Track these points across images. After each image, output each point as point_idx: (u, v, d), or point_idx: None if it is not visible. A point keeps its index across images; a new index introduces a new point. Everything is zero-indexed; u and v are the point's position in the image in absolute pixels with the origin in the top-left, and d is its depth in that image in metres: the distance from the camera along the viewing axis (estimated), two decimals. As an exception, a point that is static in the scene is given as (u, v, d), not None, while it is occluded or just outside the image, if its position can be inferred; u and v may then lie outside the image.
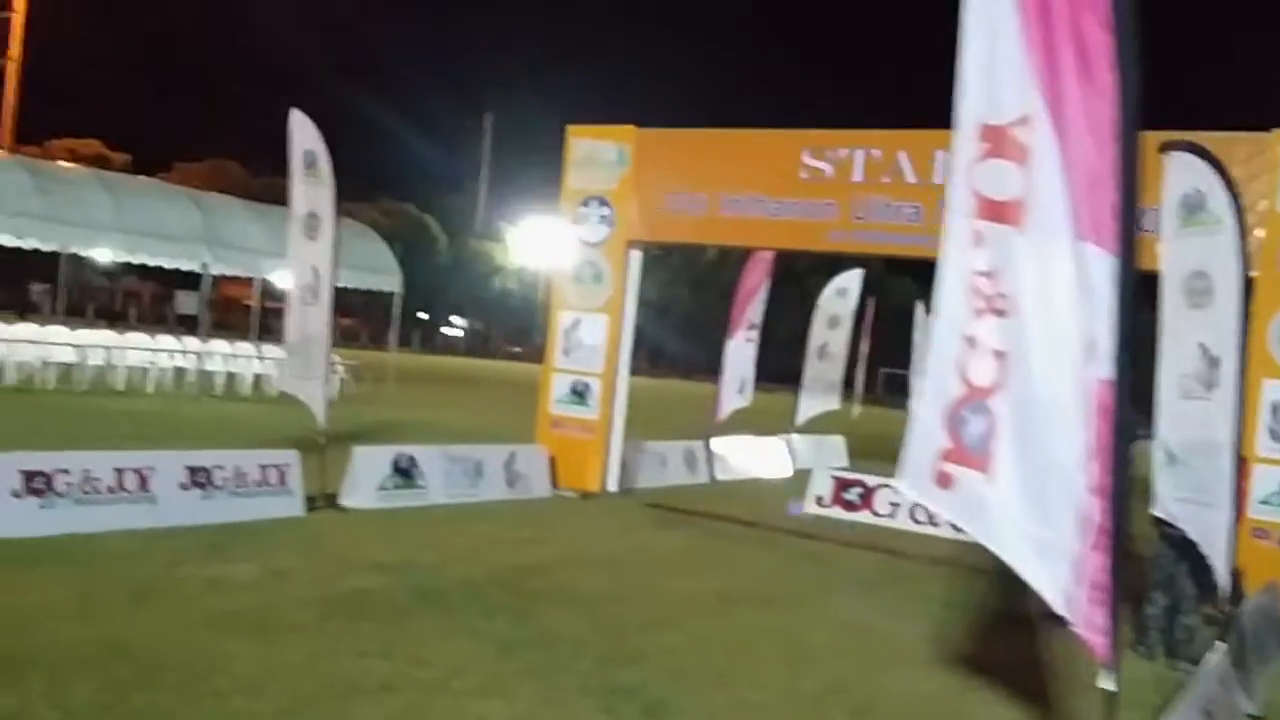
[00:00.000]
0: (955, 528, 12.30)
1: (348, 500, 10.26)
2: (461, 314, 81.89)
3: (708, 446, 15.94)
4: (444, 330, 78.71)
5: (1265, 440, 9.28)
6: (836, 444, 20.79)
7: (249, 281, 28.44)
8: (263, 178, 67.59)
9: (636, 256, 13.05)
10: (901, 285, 41.21)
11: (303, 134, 9.65)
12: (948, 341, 3.99)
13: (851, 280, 20.26)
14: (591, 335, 12.94)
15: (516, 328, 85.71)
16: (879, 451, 22.46)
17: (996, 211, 3.88)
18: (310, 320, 9.52)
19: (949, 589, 9.51)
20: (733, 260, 16.27)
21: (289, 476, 9.62)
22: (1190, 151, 6.62)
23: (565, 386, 13.10)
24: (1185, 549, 7.16)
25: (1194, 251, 6.47)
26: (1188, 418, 6.54)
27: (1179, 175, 6.69)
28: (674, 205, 12.39)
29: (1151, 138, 9.89)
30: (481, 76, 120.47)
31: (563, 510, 11.84)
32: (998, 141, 3.87)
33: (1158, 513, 6.85)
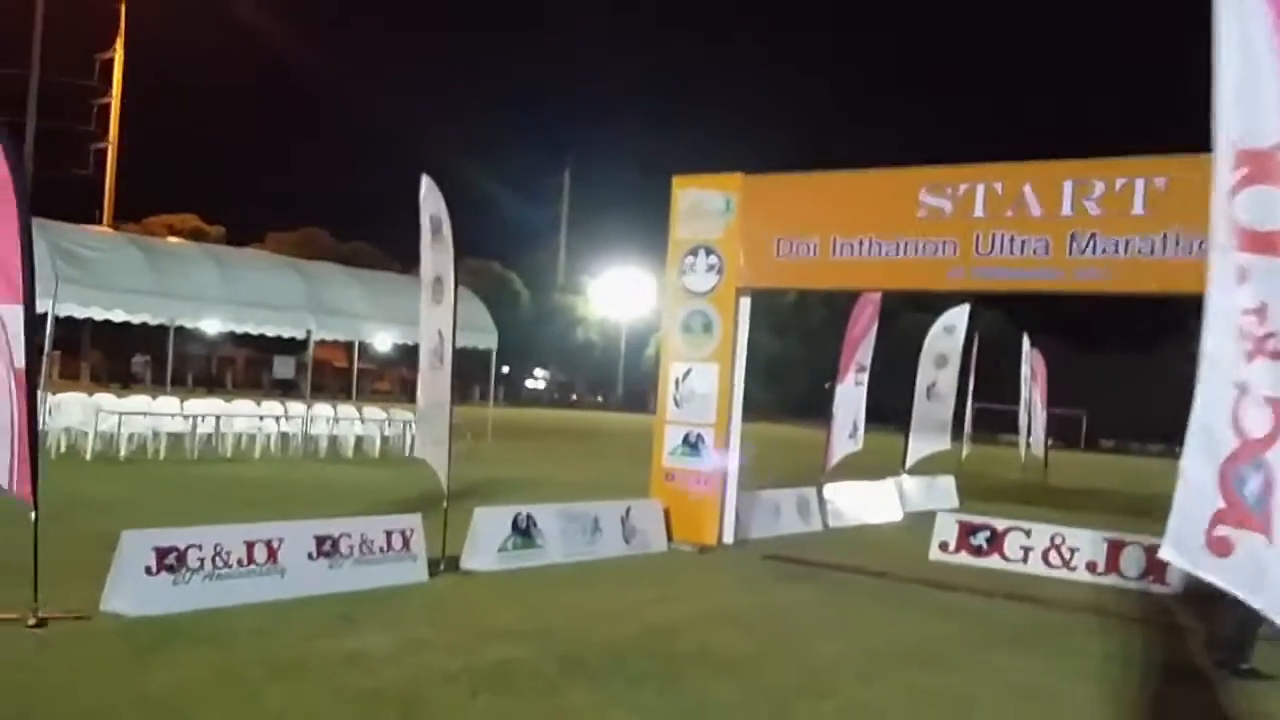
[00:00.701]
0: (1091, 569, 11.79)
1: (469, 563, 10.10)
2: (544, 366, 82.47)
3: (820, 493, 15.50)
4: (527, 383, 79.23)
5: None
6: (948, 485, 20.16)
7: (338, 344, 28.84)
8: (350, 242, 69.29)
9: (746, 304, 12.79)
10: (991, 318, 40.33)
11: (431, 200, 9.63)
12: (1218, 390, 3.60)
13: (959, 317, 19.76)
14: (703, 385, 12.67)
15: (599, 378, 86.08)
16: (990, 491, 22.04)
17: (1262, 243, 3.52)
18: (438, 385, 9.42)
19: (1105, 642, 8.95)
20: (839, 305, 15.86)
21: (413, 541, 9.48)
22: None
23: (678, 438, 12.83)
24: None
25: None
26: None
27: None
28: (784, 251, 12.12)
29: None
30: (560, 134, 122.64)
31: (682, 565, 11.52)
32: (1259, 167, 3.52)
33: None
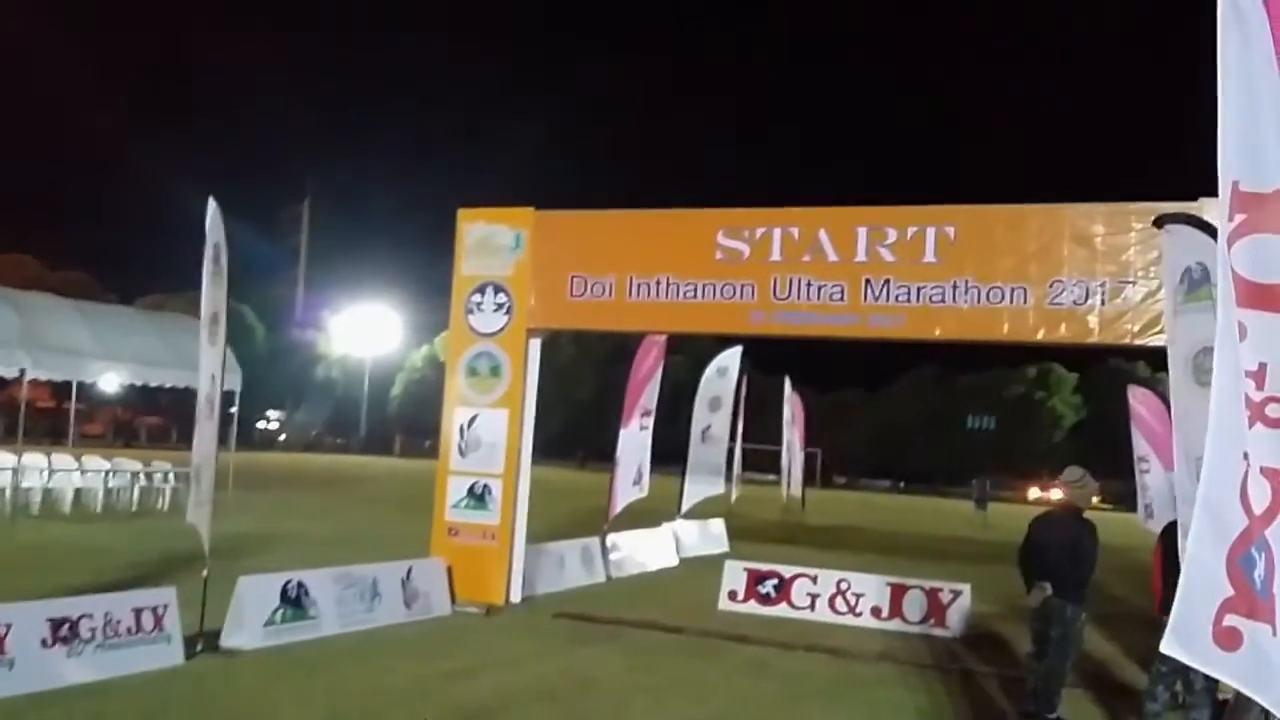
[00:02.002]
0: (876, 614, 11.85)
1: (232, 639, 8.82)
2: (279, 407, 77.99)
3: (603, 543, 14.99)
4: (259, 425, 74.55)
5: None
6: (719, 529, 20.19)
7: (44, 383, 25.81)
8: (61, 271, 63.07)
9: (536, 345, 12.14)
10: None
11: (215, 227, 8.42)
12: (1226, 461, 3.28)
13: (731, 360, 19.86)
14: (491, 432, 11.89)
15: (340, 420, 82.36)
16: (757, 533, 22.32)
17: (1260, 296, 3.24)
18: (205, 437, 8.17)
19: (913, 694, 8.90)
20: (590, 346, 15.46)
21: (166, 619, 8.17)
22: (1188, 224, 6.32)
23: (463, 489, 11.96)
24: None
25: (1199, 327, 6.13)
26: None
27: (1178, 249, 6.39)
28: (578, 290, 11.59)
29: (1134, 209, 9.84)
30: (300, 163, 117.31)
31: (472, 630, 10.64)
32: (1258, 212, 3.25)
33: None
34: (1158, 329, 9.58)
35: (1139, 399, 17.62)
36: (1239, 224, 3.30)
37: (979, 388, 72.52)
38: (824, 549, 20.80)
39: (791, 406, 25.97)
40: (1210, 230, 6.21)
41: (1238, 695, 4.98)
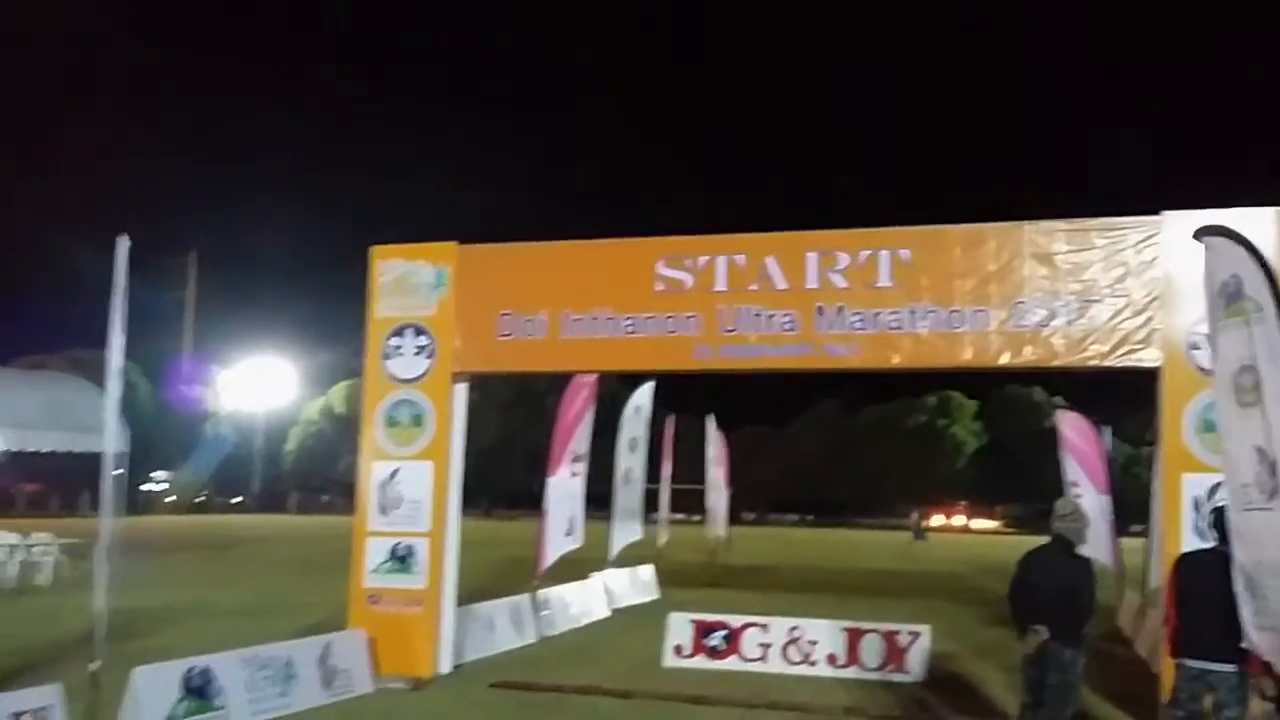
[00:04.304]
0: (832, 662, 11.13)
1: (128, 743, 7.64)
2: (167, 467, 74.39)
3: (534, 600, 13.99)
4: (145, 487, 70.88)
5: (1190, 539, 8.62)
6: (648, 575, 19.34)
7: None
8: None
9: (463, 390, 11.20)
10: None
11: (122, 268, 7.48)
12: None
13: (645, 396, 19.11)
14: (414, 487, 10.87)
15: (232, 478, 79.07)
16: (685, 577, 21.51)
17: None
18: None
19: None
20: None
21: (50, 724, 6.98)
22: (1221, 235, 5.79)
23: (383, 551, 10.89)
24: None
25: (1238, 343, 5.60)
26: (1253, 533, 5.58)
27: (1215, 262, 5.85)
28: (507, 329, 10.71)
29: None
30: (184, 211, 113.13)
31: (401, 709, 9.57)
32: None
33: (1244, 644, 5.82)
34: (1126, 349, 9.17)
35: (1069, 423, 17.48)
36: None
37: (882, 418, 73.35)
38: (756, 590, 20.15)
39: (716, 445, 25.30)
40: (1244, 242, 5.70)
41: None
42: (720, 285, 10.14)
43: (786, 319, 9.94)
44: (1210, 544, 6.69)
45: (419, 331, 10.96)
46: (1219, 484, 8.46)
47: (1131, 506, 25.12)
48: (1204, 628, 6.26)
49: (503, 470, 63.05)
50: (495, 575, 18.28)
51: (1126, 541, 18.24)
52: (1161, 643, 9.28)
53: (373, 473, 11.05)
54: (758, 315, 10.01)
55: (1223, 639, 6.12)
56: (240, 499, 78.29)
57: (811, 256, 9.92)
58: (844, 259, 9.88)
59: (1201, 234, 5.94)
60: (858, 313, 9.77)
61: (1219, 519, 6.63)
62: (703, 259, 10.21)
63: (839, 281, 9.86)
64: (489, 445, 60.74)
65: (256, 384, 76.51)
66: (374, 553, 10.95)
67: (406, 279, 11.02)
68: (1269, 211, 8.54)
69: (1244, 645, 5.89)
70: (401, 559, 10.85)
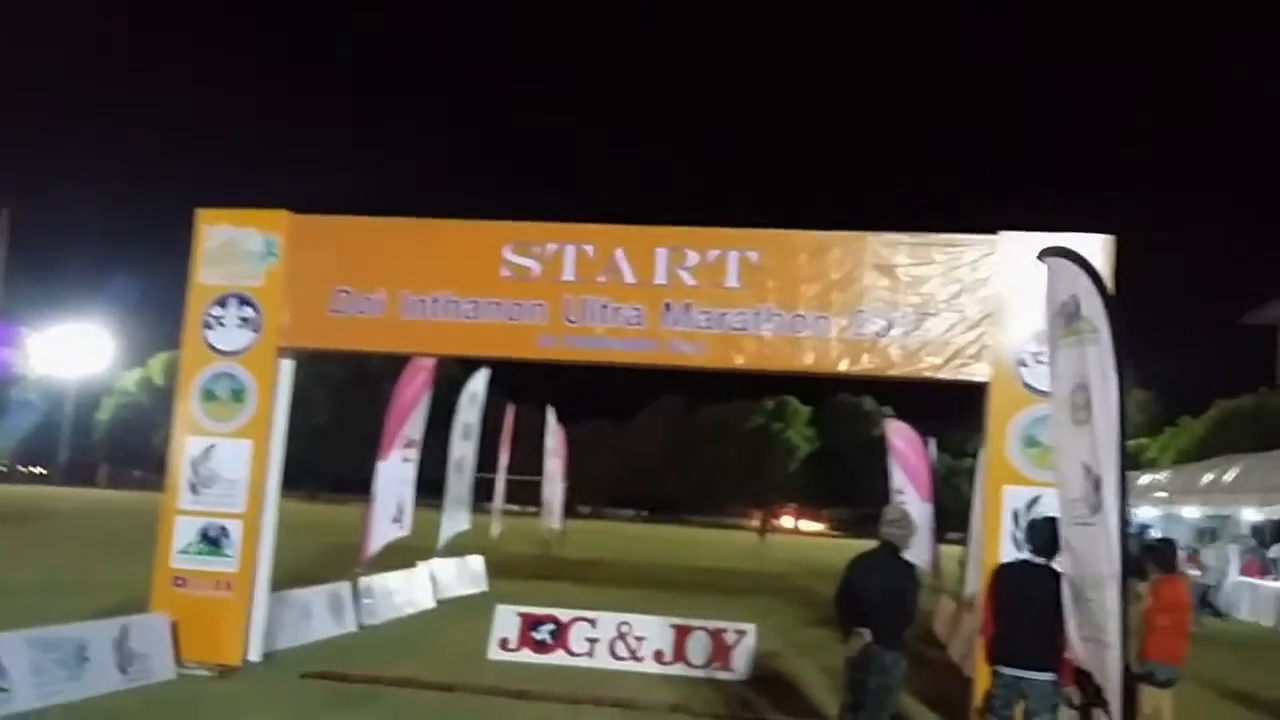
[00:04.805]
0: (659, 659, 11.13)
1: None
2: (-36, 433, 69.31)
3: (355, 588, 13.48)
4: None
5: (1008, 549, 8.92)
6: (477, 566, 18.96)
7: None
8: None
9: (289, 367, 10.64)
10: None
11: None
12: None
13: (480, 383, 18.74)
14: (231, 466, 10.27)
15: (37, 447, 74.24)
16: (517, 569, 21.23)
17: None
18: None
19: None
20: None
21: None
22: (1062, 256, 5.94)
23: (193, 532, 10.26)
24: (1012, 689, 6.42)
25: (1074, 362, 5.76)
26: (1080, 547, 5.75)
27: (1056, 283, 6.01)
28: (341, 306, 10.23)
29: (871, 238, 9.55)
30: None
31: (203, 697, 9.02)
32: None
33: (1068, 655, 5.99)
34: (959, 362, 9.41)
35: (897, 432, 18.02)
36: None
37: (720, 419, 74.61)
38: (588, 584, 20.06)
39: (555, 437, 25.11)
40: (1084, 264, 5.85)
41: None
42: (568, 275, 9.94)
43: (634, 313, 9.82)
44: (1026, 555, 6.89)
45: (244, 302, 10.36)
46: (1038, 497, 8.79)
47: (950, 515, 26.18)
48: (1019, 637, 6.44)
49: (331, 453, 61.21)
50: (316, 561, 17.63)
51: (944, 548, 18.94)
52: (976, 648, 9.60)
53: (186, 448, 10.40)
54: (605, 307, 9.86)
55: (1037, 648, 6.30)
56: (44, 471, 73.61)
57: (661, 252, 9.83)
58: (693, 257, 9.82)
59: (1044, 255, 6.09)
60: (704, 311, 9.73)
61: (1033, 531, 6.84)
62: (551, 247, 9.99)
63: (687, 279, 9.80)
64: (318, 426, 58.85)
65: (70, 350, 71.93)
66: (183, 532, 10.31)
67: (233, 246, 10.40)
68: (1099, 238, 8.89)
69: (1060, 654, 6.08)
70: (213, 540, 10.25)
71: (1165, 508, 28.31)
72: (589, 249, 9.94)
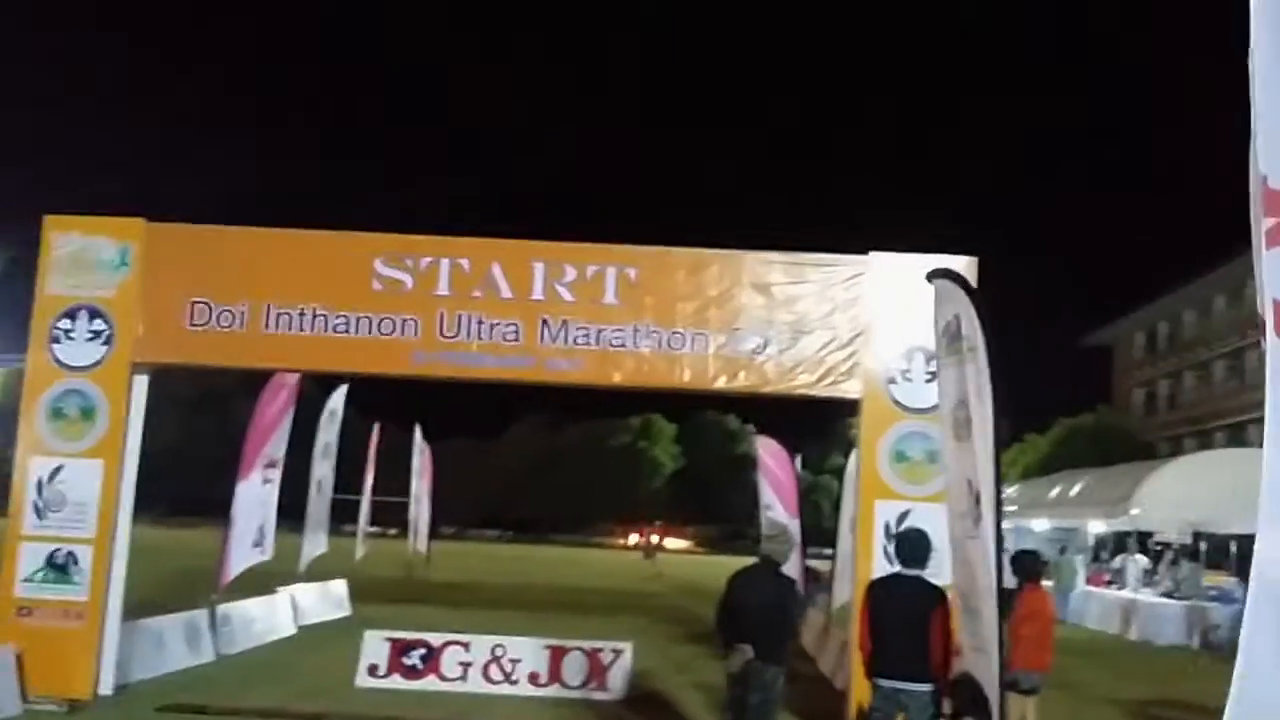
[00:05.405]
0: (534, 681, 10.97)
1: None
2: None
3: (212, 615, 12.87)
4: None
5: (880, 562, 9.12)
6: (340, 591, 18.37)
7: None
8: None
9: (143, 383, 10.12)
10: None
11: None
12: None
13: (339, 400, 18.22)
14: (80, 488, 9.69)
15: None
16: (381, 593, 20.64)
17: None
18: None
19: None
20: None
21: None
22: (947, 278, 6.11)
23: (39, 559, 9.63)
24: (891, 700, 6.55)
25: (955, 381, 5.92)
26: (967, 560, 5.90)
27: (941, 303, 6.17)
28: (200, 319, 9.78)
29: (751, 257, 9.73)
30: None
31: (49, 738, 8.46)
32: None
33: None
34: (831, 379, 9.60)
35: (766, 449, 18.26)
36: (1271, 228, 2.77)
37: (586, 437, 74.52)
38: (456, 607, 19.65)
39: (421, 456, 24.59)
40: (965, 285, 6.03)
41: None
42: (442, 289, 9.75)
43: (510, 329, 9.69)
44: (898, 568, 7.04)
45: (95, 314, 9.81)
46: (908, 511, 9.02)
47: (809, 531, 26.74)
48: (896, 649, 6.56)
49: (179, 474, 58.61)
50: (168, 587, 16.75)
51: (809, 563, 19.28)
52: (846, 661, 9.77)
53: (31, 470, 9.76)
54: (480, 323, 9.70)
55: (913, 660, 6.43)
56: None
57: (539, 267, 9.75)
58: (571, 272, 9.77)
59: (932, 276, 6.24)
60: (582, 328, 9.68)
61: (903, 543, 7.00)
62: (425, 260, 9.79)
63: (565, 295, 9.74)
64: (165, 447, 56.29)
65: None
66: (28, 560, 9.68)
67: (84, 255, 9.85)
68: (964, 260, 9.20)
69: (936, 664, 6.21)
70: (60, 567, 9.65)
71: (1015, 520, 29.56)
72: (464, 263, 9.78)
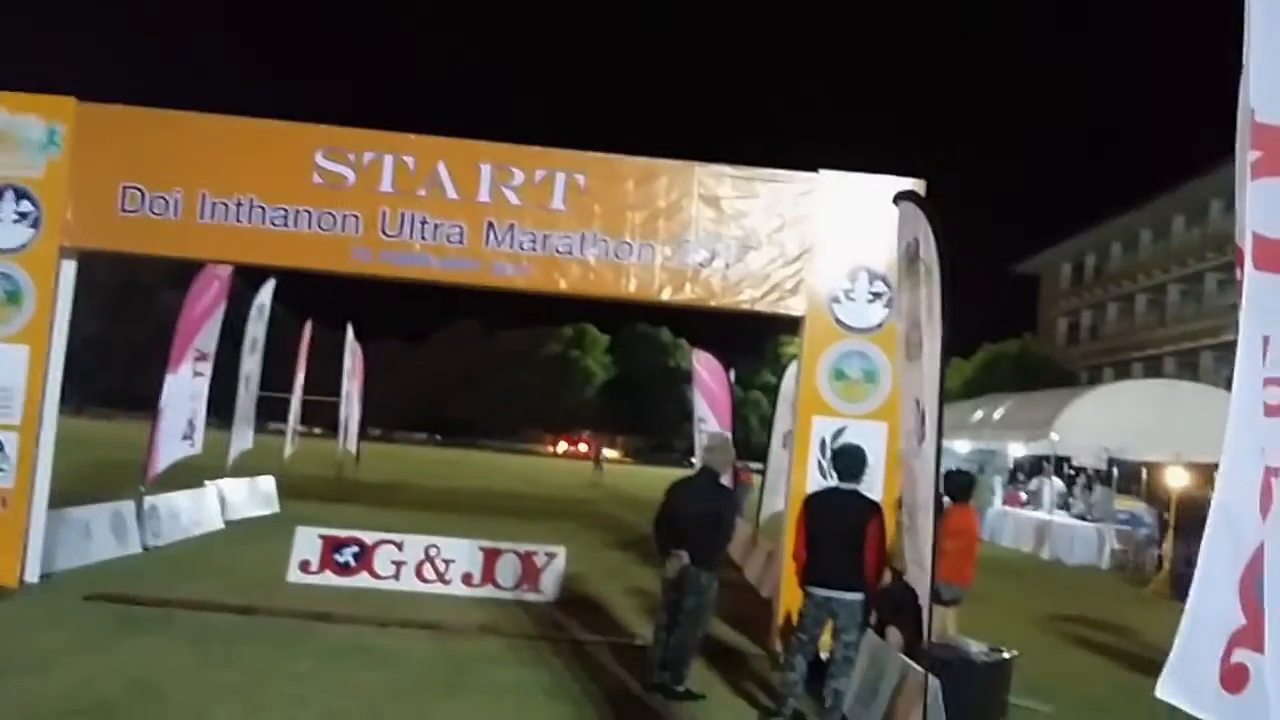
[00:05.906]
0: (467, 582, 11.10)
1: None
2: None
3: (139, 507, 12.72)
4: None
5: (814, 476, 9.32)
6: (269, 488, 18.26)
7: None
8: None
9: (71, 268, 9.81)
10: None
11: None
12: (1242, 462, 2.68)
13: (267, 294, 17.84)
14: (5, 374, 9.43)
15: None
16: (309, 490, 20.59)
17: (1272, 257, 2.66)
18: None
19: (538, 673, 8.22)
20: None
21: None
22: (910, 200, 6.11)
23: (-39, 446, 9.40)
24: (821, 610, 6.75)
25: (912, 302, 5.98)
26: (911, 475, 6.04)
27: (904, 226, 6.19)
28: (132, 205, 9.46)
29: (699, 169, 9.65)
30: None
31: (-24, 622, 8.35)
32: (1275, 151, 2.66)
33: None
34: (776, 296, 9.64)
35: (702, 362, 18.37)
36: (1256, 161, 2.77)
37: (518, 344, 74.36)
38: (384, 507, 19.70)
39: (353, 356, 24.28)
40: (925, 208, 6.05)
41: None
42: (385, 186, 9.54)
43: (455, 230, 9.54)
44: (834, 482, 7.20)
45: (21, 195, 9.44)
46: (844, 428, 9.18)
47: (739, 445, 27.16)
48: (829, 560, 6.74)
49: (99, 365, 57.36)
50: (94, 479, 16.54)
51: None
52: (774, 571, 10.01)
53: (-47, 354, 9.46)
54: (424, 222, 9.53)
55: (846, 570, 6.62)
56: None
57: (486, 168, 9.56)
58: (519, 175, 9.61)
59: (898, 199, 6.26)
60: (529, 233, 9.56)
61: (840, 458, 7.15)
62: (368, 155, 9.54)
63: (512, 198, 9.59)
64: (86, 337, 54.91)
65: None
66: (-51, 446, 9.42)
67: (11, 133, 9.43)
68: (913, 182, 9.22)
69: (867, 575, 6.40)
70: (-15, 454, 9.42)
71: (937, 441, 30.29)
72: (409, 160, 9.56)
